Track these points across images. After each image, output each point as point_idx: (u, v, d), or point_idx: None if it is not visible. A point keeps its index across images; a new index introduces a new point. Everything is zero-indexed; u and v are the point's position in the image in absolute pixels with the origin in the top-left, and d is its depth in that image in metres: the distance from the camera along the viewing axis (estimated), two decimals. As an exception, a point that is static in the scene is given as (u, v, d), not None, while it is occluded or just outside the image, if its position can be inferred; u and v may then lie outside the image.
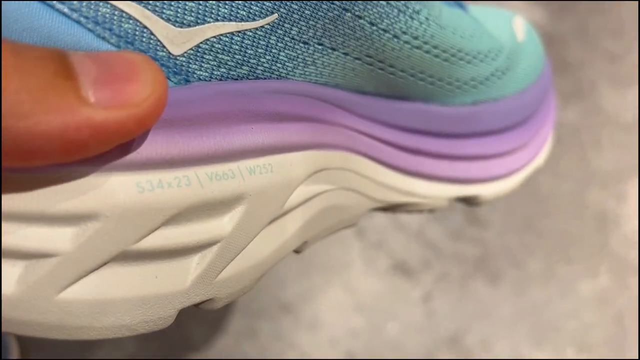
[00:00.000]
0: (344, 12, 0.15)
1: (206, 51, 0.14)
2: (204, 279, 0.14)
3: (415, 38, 0.17)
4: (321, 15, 0.15)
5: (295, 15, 0.15)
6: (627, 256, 0.44)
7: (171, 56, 0.13)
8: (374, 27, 0.16)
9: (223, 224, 0.14)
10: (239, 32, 0.14)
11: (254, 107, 0.14)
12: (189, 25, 0.13)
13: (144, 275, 0.13)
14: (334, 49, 0.16)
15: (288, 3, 0.14)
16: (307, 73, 0.16)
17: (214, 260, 0.14)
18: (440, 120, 0.19)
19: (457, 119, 0.19)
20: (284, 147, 0.15)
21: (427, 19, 0.17)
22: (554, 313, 0.42)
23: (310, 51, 0.16)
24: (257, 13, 0.14)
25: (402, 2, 0.16)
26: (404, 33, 0.17)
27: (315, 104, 0.16)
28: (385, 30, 0.16)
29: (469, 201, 0.21)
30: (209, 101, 0.13)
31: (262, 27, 0.14)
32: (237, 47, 0.14)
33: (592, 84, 0.50)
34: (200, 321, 0.39)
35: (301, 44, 0.15)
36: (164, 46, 0.13)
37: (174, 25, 0.13)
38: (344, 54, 0.16)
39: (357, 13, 0.16)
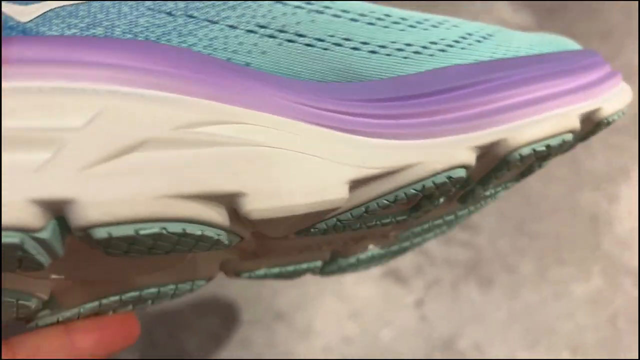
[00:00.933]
0: None
1: (53, 17, 0.15)
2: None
3: (308, 2, 0.16)
4: None
5: None
6: (620, 257, 0.44)
7: (20, 23, 0.15)
8: None
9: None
10: (82, 2, 0.16)
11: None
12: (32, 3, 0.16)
13: None
14: (212, 22, 0.15)
15: None
16: (189, 43, 0.15)
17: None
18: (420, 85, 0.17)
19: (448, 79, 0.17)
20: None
21: None
22: (548, 315, 0.42)
23: (179, 22, 0.15)
24: None
25: None
26: None
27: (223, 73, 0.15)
28: None
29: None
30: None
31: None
32: (84, 13, 0.15)
33: (581, 86, 0.50)
34: (194, 331, 0.39)
35: (163, 14, 0.15)
36: (12, 18, 0.15)
37: (19, 5, 0.16)
38: (229, 26, 0.16)
39: None
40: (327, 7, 0.16)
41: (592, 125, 0.18)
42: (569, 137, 0.17)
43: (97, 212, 0.12)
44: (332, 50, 0.16)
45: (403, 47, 0.17)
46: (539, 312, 0.42)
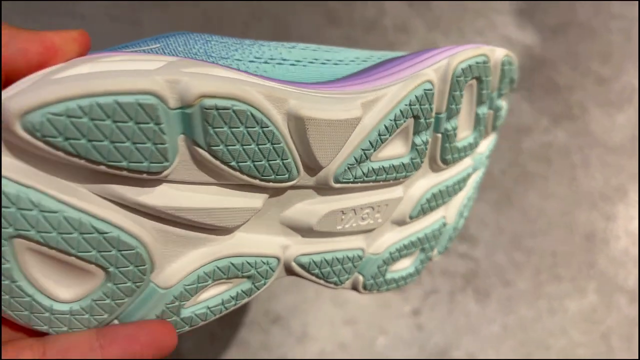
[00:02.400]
0: None
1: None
2: None
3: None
4: None
5: None
6: (616, 276, 0.44)
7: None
8: None
9: None
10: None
11: None
12: None
13: None
14: (224, 58, 0.23)
15: None
16: None
17: None
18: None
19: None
20: None
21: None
22: (542, 331, 0.42)
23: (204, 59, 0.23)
24: None
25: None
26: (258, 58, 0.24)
27: None
28: None
29: None
30: None
31: None
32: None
33: (581, 106, 0.51)
34: (190, 332, 0.39)
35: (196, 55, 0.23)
36: None
37: None
38: (236, 60, 0.23)
39: None
40: (293, 46, 0.25)
41: (449, 76, 0.24)
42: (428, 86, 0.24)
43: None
44: (309, 66, 0.24)
45: (339, 61, 0.25)
46: (534, 326, 0.42)
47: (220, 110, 0.17)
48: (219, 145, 0.18)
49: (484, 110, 0.26)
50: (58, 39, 0.17)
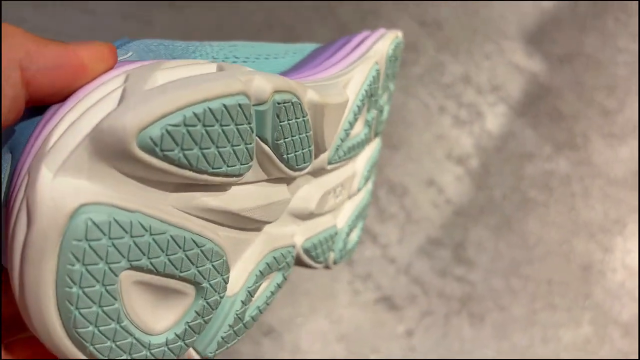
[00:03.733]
0: None
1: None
2: None
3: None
4: None
5: None
6: (611, 308, 0.44)
7: None
8: None
9: None
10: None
11: None
12: None
13: None
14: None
15: None
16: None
17: None
18: None
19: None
20: None
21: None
22: (535, 358, 0.42)
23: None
24: None
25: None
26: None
27: None
28: None
29: None
30: None
31: None
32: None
33: (585, 136, 0.51)
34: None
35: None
36: None
37: None
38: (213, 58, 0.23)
39: None
40: (234, 45, 0.25)
41: (384, 57, 0.26)
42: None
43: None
44: (262, 61, 0.25)
45: (276, 55, 0.26)
46: (526, 354, 0.42)
47: (286, 104, 0.18)
48: (281, 140, 0.18)
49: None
50: (87, 58, 0.16)
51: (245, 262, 0.20)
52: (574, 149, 0.50)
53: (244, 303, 0.20)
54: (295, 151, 0.19)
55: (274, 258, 0.21)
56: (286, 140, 0.19)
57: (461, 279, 0.43)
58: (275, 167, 0.19)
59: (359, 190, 0.28)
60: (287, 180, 0.21)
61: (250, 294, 0.20)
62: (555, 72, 0.54)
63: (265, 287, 0.22)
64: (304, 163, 0.20)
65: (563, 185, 0.49)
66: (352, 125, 0.23)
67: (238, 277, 0.20)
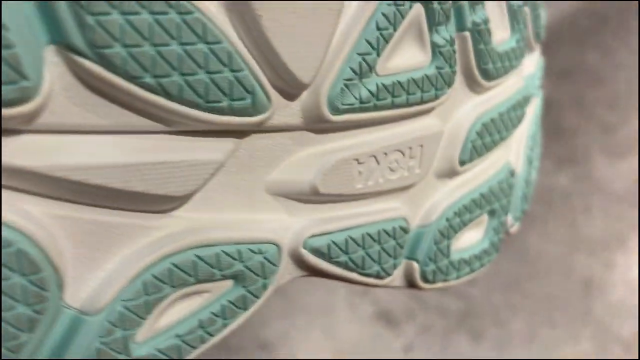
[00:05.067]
0: None
1: None
2: None
3: None
4: None
5: None
6: (611, 325, 0.44)
7: None
8: None
9: None
10: None
11: None
12: None
13: None
14: None
15: None
16: None
17: None
18: None
19: None
20: None
21: None
22: (535, 376, 0.41)
23: None
24: None
25: None
26: None
27: None
28: None
29: None
30: None
31: None
32: None
33: (585, 151, 0.51)
34: None
35: None
36: None
37: None
38: None
39: None
40: None
41: None
42: None
43: None
44: None
45: None
46: (526, 371, 0.41)
47: None
48: (111, 46, 0.11)
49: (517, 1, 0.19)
50: None
51: (125, 261, 0.13)
52: (574, 164, 0.50)
53: (115, 326, 0.13)
54: (183, 74, 0.12)
55: (199, 258, 0.14)
56: (132, 49, 0.11)
57: (460, 294, 0.43)
58: (146, 102, 0.12)
59: (463, 164, 0.18)
60: (230, 135, 0.14)
61: (135, 312, 0.14)
62: (555, 87, 0.54)
63: (200, 305, 0.15)
64: (234, 100, 0.13)
65: (563, 201, 0.48)
66: (375, 46, 0.14)
67: (105, 285, 0.13)
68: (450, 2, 0.16)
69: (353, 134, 0.16)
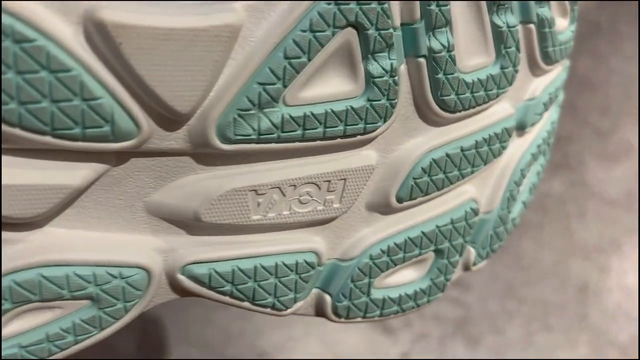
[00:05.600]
0: None
1: None
2: None
3: None
4: None
5: None
6: (607, 329, 0.44)
7: None
8: None
9: None
10: None
11: None
12: None
13: None
14: None
15: None
16: None
17: None
18: None
19: None
20: None
21: None
22: (532, 382, 0.41)
23: None
24: None
25: None
26: None
27: None
28: None
29: None
30: None
31: None
32: None
33: (579, 157, 0.51)
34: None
35: None
36: None
37: None
38: None
39: None
40: None
41: None
42: None
43: None
44: None
45: None
46: (523, 377, 0.41)
47: None
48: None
49: (502, 19, 0.16)
50: None
51: None
52: (568, 170, 0.50)
53: None
54: (23, 102, 0.11)
55: (43, 277, 0.13)
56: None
57: (456, 301, 0.43)
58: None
59: (400, 201, 0.17)
60: (95, 158, 0.13)
61: None
62: (548, 93, 0.54)
63: (48, 320, 0.14)
64: (87, 128, 0.12)
65: (557, 206, 0.49)
66: (281, 76, 0.13)
67: None
68: (392, 29, 0.14)
69: (252, 164, 0.15)
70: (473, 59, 0.16)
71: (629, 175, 0.51)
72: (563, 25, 0.19)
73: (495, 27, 0.16)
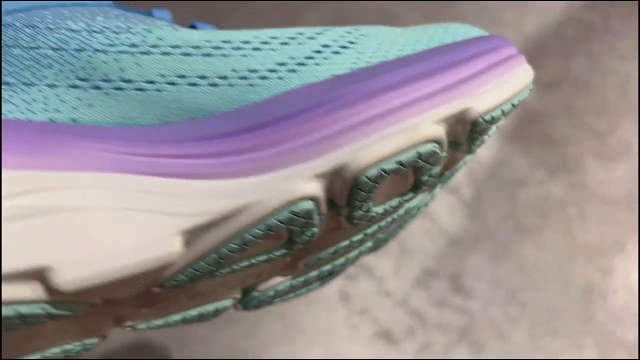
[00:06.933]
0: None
1: None
2: None
3: (132, 46, 0.15)
4: None
5: None
6: (614, 331, 0.44)
7: None
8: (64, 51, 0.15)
9: None
10: None
11: None
12: None
13: None
14: (29, 85, 0.15)
15: None
16: (5, 110, 0.14)
17: None
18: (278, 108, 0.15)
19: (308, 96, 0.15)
20: None
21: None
22: (539, 387, 0.41)
23: None
24: None
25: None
26: (111, 45, 0.15)
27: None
28: (81, 50, 0.15)
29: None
30: None
31: None
32: None
33: (577, 159, 0.51)
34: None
35: None
36: None
37: None
38: (48, 85, 0.15)
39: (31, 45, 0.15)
40: (154, 46, 0.15)
41: (467, 127, 0.16)
42: (428, 147, 0.15)
43: None
44: (166, 91, 0.15)
45: (247, 74, 0.15)
46: (530, 382, 0.41)
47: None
48: None
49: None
50: None
51: None
52: (567, 173, 0.50)
53: None
54: None
55: None
56: None
57: (459, 308, 0.43)
58: None
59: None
60: None
61: None
62: (543, 97, 0.54)
63: None
64: None
65: (558, 209, 0.48)
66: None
67: None
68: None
69: None
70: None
71: (629, 175, 0.50)
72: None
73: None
